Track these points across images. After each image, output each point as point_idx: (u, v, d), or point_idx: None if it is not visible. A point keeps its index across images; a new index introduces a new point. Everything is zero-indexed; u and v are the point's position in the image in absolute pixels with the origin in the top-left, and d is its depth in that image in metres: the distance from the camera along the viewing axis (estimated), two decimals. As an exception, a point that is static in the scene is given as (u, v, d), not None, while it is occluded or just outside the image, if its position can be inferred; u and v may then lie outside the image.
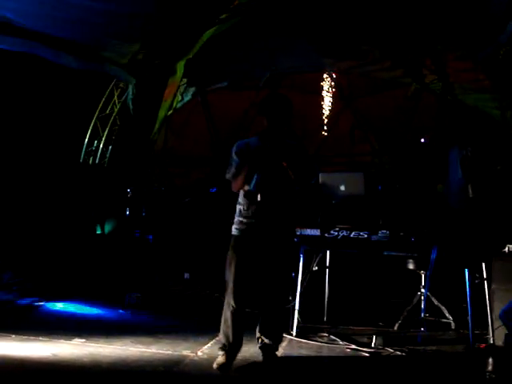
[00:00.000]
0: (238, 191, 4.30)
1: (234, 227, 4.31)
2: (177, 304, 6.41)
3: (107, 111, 8.72)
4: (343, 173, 5.93)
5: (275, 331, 4.36)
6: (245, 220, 4.23)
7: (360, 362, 4.63)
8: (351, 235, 5.24)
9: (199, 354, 4.53)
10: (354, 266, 6.39)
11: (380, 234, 5.19)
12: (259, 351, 4.35)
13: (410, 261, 5.54)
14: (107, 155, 8.87)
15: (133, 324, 5.60)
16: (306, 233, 5.37)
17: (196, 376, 4.06)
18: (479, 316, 5.04)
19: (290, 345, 4.98)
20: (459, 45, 6.76)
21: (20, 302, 6.18)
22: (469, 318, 4.90)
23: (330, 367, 4.54)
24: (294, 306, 5.30)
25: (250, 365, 4.31)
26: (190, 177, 9.75)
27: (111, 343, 4.69)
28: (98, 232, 8.46)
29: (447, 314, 5.58)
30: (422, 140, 7.85)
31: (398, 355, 4.70)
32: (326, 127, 9.09)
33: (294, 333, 5.22)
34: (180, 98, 8.84)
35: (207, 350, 4.61)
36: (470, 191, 5.96)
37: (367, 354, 4.72)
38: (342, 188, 5.59)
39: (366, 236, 5.20)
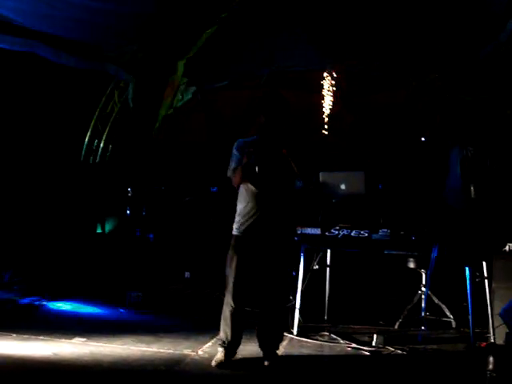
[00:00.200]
0: (238, 186, 4.31)
1: (234, 226, 4.31)
2: (177, 303, 6.41)
3: (108, 110, 8.71)
4: (344, 172, 5.92)
5: (275, 330, 4.36)
6: (245, 219, 4.24)
7: (361, 360, 4.64)
8: (352, 234, 5.24)
9: (200, 352, 4.53)
10: (354, 265, 6.39)
11: (380, 232, 5.19)
12: (260, 350, 4.36)
13: (411, 259, 5.54)
14: (107, 154, 8.86)
15: (133, 323, 5.60)
16: (307, 232, 5.37)
17: (197, 375, 4.07)
18: (480, 315, 5.04)
19: (291, 344, 4.99)
20: (459, 44, 6.75)
21: (21, 301, 6.18)
22: (469, 316, 4.91)
23: (331, 366, 4.54)
24: (295, 304, 5.30)
25: (251, 364, 4.31)
26: (190, 176, 9.74)
27: (112, 342, 4.70)
28: (99, 231, 8.45)
29: (448, 313, 5.58)
30: (423, 139, 7.84)
31: (399, 354, 4.71)
32: (326, 126, 9.07)
33: (295, 332, 5.22)
34: (180, 97, 8.82)
35: (208, 349, 4.62)
36: (473, 192, 5.95)
37: (368, 353, 4.73)
38: (343, 187, 5.58)
39: (366, 235, 5.20)
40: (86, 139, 8.66)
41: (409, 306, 5.59)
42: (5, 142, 7.18)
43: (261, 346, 4.35)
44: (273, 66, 8.30)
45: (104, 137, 8.79)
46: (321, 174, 5.67)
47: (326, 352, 4.85)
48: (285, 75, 9.13)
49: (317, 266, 5.58)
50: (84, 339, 4.72)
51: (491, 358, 4.21)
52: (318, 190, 5.60)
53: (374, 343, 4.90)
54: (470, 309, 4.91)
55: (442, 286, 5.61)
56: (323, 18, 6.99)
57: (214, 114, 9.89)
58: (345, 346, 4.94)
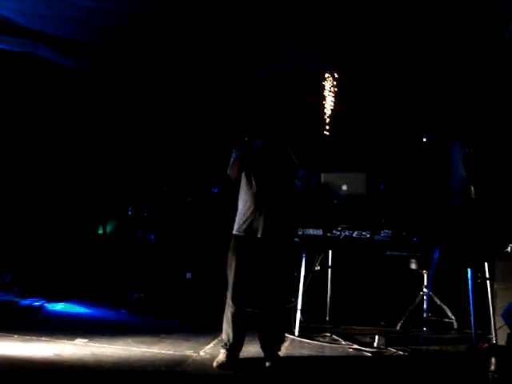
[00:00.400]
0: (236, 179, 4.32)
1: (234, 226, 4.32)
2: (179, 304, 6.41)
3: (109, 111, 8.70)
4: (345, 172, 5.92)
5: (277, 331, 4.36)
6: (244, 219, 4.25)
7: (362, 361, 4.63)
8: (353, 235, 5.24)
9: (201, 354, 4.53)
10: (356, 266, 6.38)
11: (382, 233, 5.19)
12: (261, 351, 4.35)
13: (413, 260, 5.53)
14: (109, 155, 8.85)
15: (135, 324, 5.60)
16: (309, 232, 5.37)
17: (198, 376, 4.07)
18: (482, 316, 5.03)
19: (292, 345, 4.98)
20: (461, 44, 6.74)
21: (22, 303, 6.18)
22: (471, 317, 4.90)
23: (333, 367, 4.53)
24: (297, 305, 5.30)
25: (252, 365, 4.31)
26: (192, 177, 9.73)
27: (113, 343, 4.70)
28: (100, 232, 8.45)
29: (450, 314, 5.57)
30: (424, 139, 7.83)
31: (401, 355, 4.70)
32: (327, 127, 9.07)
33: (297, 332, 5.22)
34: (182, 97, 8.82)
35: (209, 350, 4.62)
36: (473, 192, 5.94)
37: (370, 354, 4.72)
38: (344, 188, 5.59)
39: (368, 236, 5.20)
40: (87, 139, 8.66)
41: (411, 307, 5.58)
42: (5, 143, 7.18)
43: (262, 347, 4.35)
44: (274, 67, 8.29)
45: (105, 137, 8.78)
46: (322, 175, 5.67)
47: (328, 353, 4.84)
48: (286, 76, 9.13)
49: (318, 267, 5.57)
50: (85, 340, 4.72)
51: (493, 359, 4.20)
52: (319, 190, 5.60)
53: (375, 344, 4.89)
54: (471, 310, 4.90)
55: (444, 287, 5.60)
56: (324, 18, 6.98)
57: (214, 114, 9.89)
58: (346, 347, 4.94)
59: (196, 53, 7.36)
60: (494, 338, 4.93)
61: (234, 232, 4.32)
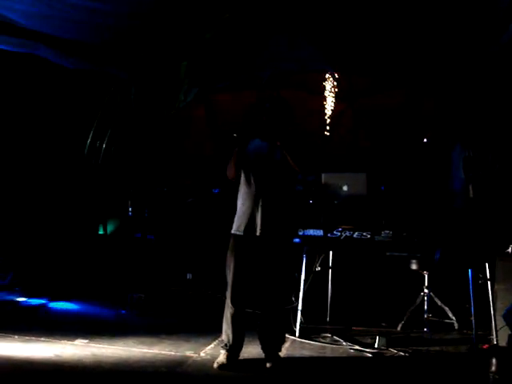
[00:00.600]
0: (233, 179, 4.32)
1: (233, 226, 4.32)
2: (179, 304, 6.40)
3: (110, 111, 8.71)
4: (346, 173, 5.92)
5: (277, 332, 4.35)
6: (242, 219, 4.25)
7: (363, 362, 4.62)
8: (354, 235, 5.25)
9: (202, 354, 4.53)
10: (356, 267, 6.37)
11: (383, 234, 5.19)
12: (262, 352, 4.35)
13: (413, 261, 5.52)
14: (109, 155, 8.86)
15: (135, 325, 5.60)
16: (309, 233, 5.37)
17: (199, 377, 4.06)
18: (482, 316, 5.03)
19: (293, 345, 4.98)
20: (461, 46, 6.74)
21: (23, 303, 6.18)
22: (472, 318, 4.90)
23: (333, 368, 4.53)
24: (297, 306, 5.29)
25: (253, 365, 4.31)
26: (192, 177, 9.73)
27: (114, 344, 4.70)
28: (101, 232, 8.45)
29: (450, 315, 5.56)
30: (425, 140, 7.83)
31: (402, 356, 4.70)
32: (328, 127, 9.07)
33: (297, 333, 5.22)
34: (182, 97, 8.82)
35: (210, 351, 4.61)
36: (471, 191, 5.94)
37: (370, 355, 4.72)
38: (345, 188, 5.58)
39: (368, 236, 5.20)
40: (89, 140, 8.66)
41: (411, 308, 5.57)
42: (7, 144, 7.18)
43: (263, 348, 4.35)
44: (274, 67, 8.29)
45: (106, 138, 8.79)
46: (323, 175, 5.67)
47: (328, 354, 4.84)
48: (286, 76, 9.13)
49: (319, 268, 5.57)
50: (86, 341, 4.72)
51: (494, 360, 4.18)
52: (320, 191, 5.60)
53: (376, 345, 4.88)
54: (472, 310, 4.90)
55: (445, 288, 5.60)
56: (325, 19, 6.98)
57: (215, 114, 9.89)
58: (347, 348, 4.93)
59: (197, 54, 7.36)
60: (494, 339, 4.92)
61: (232, 232, 4.32)
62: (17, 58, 6.43)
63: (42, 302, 6.23)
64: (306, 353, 4.80)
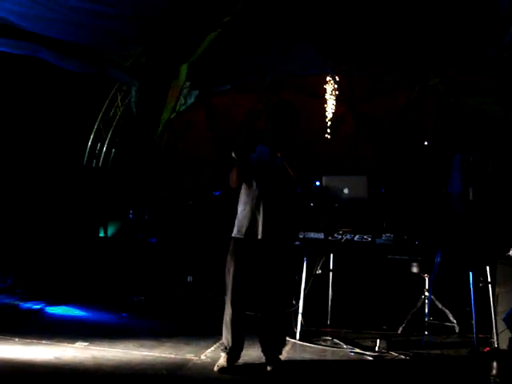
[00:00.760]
0: (236, 186, 4.31)
1: (234, 229, 4.31)
2: (180, 307, 6.40)
3: (110, 114, 8.73)
4: (346, 176, 5.92)
5: (277, 335, 4.35)
6: (243, 222, 4.24)
7: (364, 365, 4.61)
8: (355, 238, 5.24)
9: (202, 357, 4.52)
10: (357, 270, 6.37)
11: (384, 237, 5.18)
12: (262, 355, 4.34)
13: (414, 264, 5.51)
14: (110, 158, 8.87)
15: (136, 327, 5.59)
16: (310, 236, 5.36)
17: (199, 380, 4.06)
18: (483, 320, 5.02)
19: (294, 348, 4.97)
20: (462, 48, 6.75)
21: (23, 306, 6.17)
22: (473, 321, 4.89)
23: (334, 371, 4.52)
24: (298, 309, 5.28)
25: (253, 369, 4.30)
26: (193, 180, 9.74)
27: (114, 347, 4.69)
28: (101, 235, 8.45)
29: (451, 318, 5.55)
30: (426, 143, 7.83)
31: (402, 359, 4.69)
32: (328, 130, 9.08)
33: (298, 336, 5.20)
34: (183, 100, 8.84)
35: (210, 354, 4.60)
36: (471, 194, 5.94)
37: (371, 358, 4.71)
38: (346, 191, 5.58)
39: (369, 239, 5.19)
40: (89, 143, 8.68)
41: (412, 311, 5.56)
42: (8, 146, 7.19)
43: (263, 351, 4.34)
44: (275, 70, 8.30)
45: (107, 141, 8.80)
46: (324, 178, 5.67)
47: (329, 357, 4.82)
48: (287, 79, 9.14)
49: (320, 271, 5.56)
50: (86, 343, 4.71)
51: (495, 364, 4.18)
52: (321, 194, 5.60)
53: (377, 348, 4.87)
54: (473, 314, 4.89)
55: (446, 291, 5.58)
56: (325, 21, 6.99)
57: (216, 117, 9.91)
58: (348, 351, 4.92)
59: (197, 56, 7.37)
60: (495, 342, 4.91)
61: (233, 235, 4.31)
62: (18, 62, 6.44)
63: (43, 304, 6.22)
64: (307, 356, 4.79)
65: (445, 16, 6.30)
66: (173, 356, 4.52)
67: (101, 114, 8.65)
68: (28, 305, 6.20)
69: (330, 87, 8.51)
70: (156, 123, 8.39)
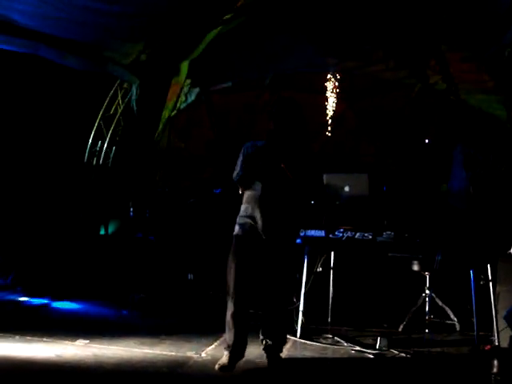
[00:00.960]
0: (243, 193, 4.31)
1: (235, 227, 4.31)
2: (180, 305, 6.40)
3: (111, 112, 8.71)
4: (347, 174, 5.91)
5: (278, 332, 4.34)
6: (245, 220, 4.24)
7: (364, 363, 4.62)
8: (356, 236, 5.24)
9: (203, 355, 4.52)
10: (358, 267, 6.36)
11: (385, 235, 5.18)
12: (263, 353, 4.34)
13: (415, 262, 5.51)
14: (111, 156, 8.86)
15: (136, 325, 5.59)
16: (311, 234, 5.37)
17: (200, 377, 4.06)
18: (484, 318, 5.02)
19: (294, 346, 4.97)
20: (463, 45, 6.74)
21: (24, 303, 6.18)
22: (474, 319, 4.89)
23: (334, 369, 4.53)
24: (299, 307, 5.28)
25: (254, 366, 4.29)
26: (194, 177, 9.74)
27: (115, 344, 4.69)
28: (102, 233, 8.45)
29: (452, 316, 5.55)
30: (427, 141, 7.83)
31: (403, 357, 4.69)
32: (329, 127, 9.08)
33: (299, 334, 5.21)
34: (184, 98, 8.83)
35: (211, 352, 4.60)
36: (471, 190, 5.95)
37: (372, 356, 4.71)
38: (347, 189, 5.57)
39: (370, 237, 5.19)
40: (90, 141, 8.66)
41: (413, 309, 5.56)
42: (8, 144, 7.19)
43: (264, 349, 4.33)
44: (276, 68, 8.30)
45: (107, 138, 8.79)
46: (325, 175, 5.65)
47: (330, 355, 4.83)
48: (288, 77, 9.13)
49: (320, 269, 5.56)
50: (87, 341, 4.71)
51: (495, 362, 4.18)
52: (322, 192, 5.59)
53: (377, 346, 4.87)
54: (474, 312, 4.89)
55: (447, 289, 5.58)
56: (326, 19, 6.98)
57: (217, 115, 9.90)
58: (348, 349, 4.92)
59: (200, 55, 7.37)
60: (496, 340, 4.91)
61: (234, 233, 4.31)
62: (19, 59, 6.44)
63: (44, 301, 6.23)
64: (308, 353, 4.79)
65: (446, 12, 6.29)
66: (174, 354, 4.52)
67: (101, 111, 8.64)
68: (29, 302, 6.22)
69: (330, 85, 8.51)
70: (157, 121, 8.37)
